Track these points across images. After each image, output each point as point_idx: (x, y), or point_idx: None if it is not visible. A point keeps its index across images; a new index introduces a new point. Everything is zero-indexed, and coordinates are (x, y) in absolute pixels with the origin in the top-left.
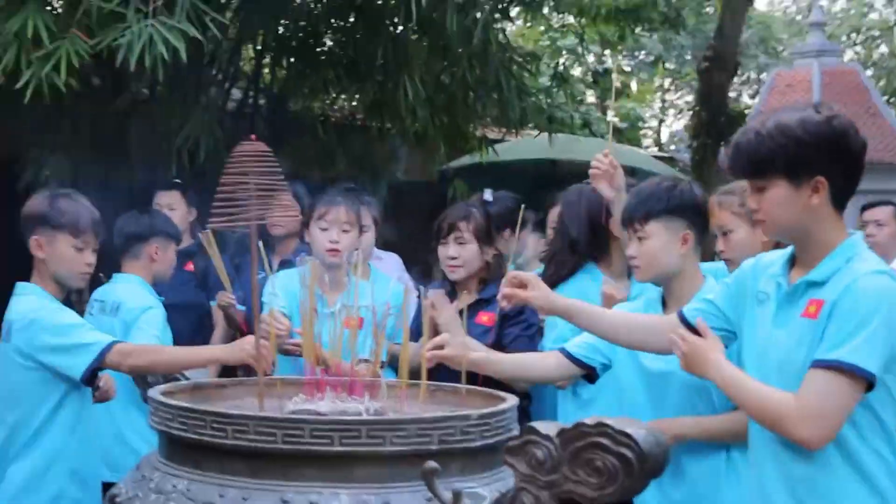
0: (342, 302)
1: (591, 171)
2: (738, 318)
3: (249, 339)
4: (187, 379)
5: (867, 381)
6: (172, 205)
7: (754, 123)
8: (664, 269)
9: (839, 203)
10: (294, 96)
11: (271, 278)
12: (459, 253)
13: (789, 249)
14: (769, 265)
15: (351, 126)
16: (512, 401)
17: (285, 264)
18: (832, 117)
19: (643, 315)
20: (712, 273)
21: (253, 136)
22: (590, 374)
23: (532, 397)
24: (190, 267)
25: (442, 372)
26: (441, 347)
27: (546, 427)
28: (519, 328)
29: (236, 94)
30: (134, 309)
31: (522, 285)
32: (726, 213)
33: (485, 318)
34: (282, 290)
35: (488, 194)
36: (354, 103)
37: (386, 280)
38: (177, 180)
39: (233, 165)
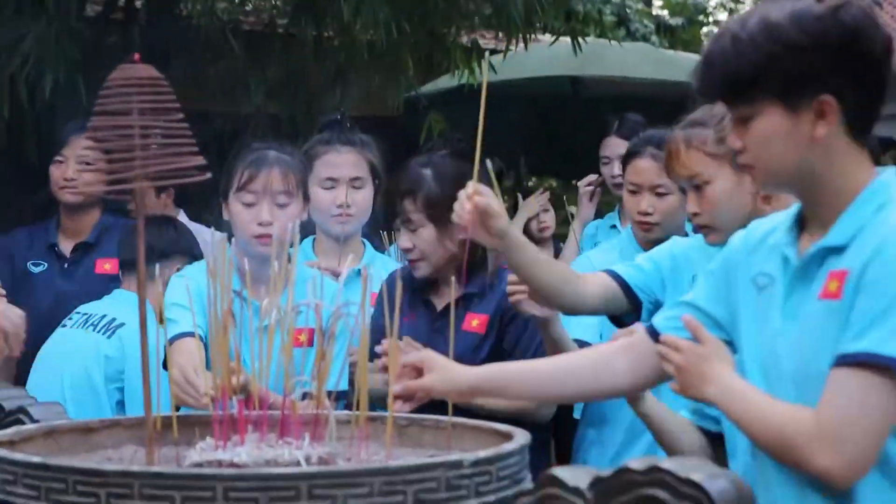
0: (279, 305)
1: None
2: (732, 316)
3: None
4: None
5: None
6: None
7: (733, 24)
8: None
9: (859, 130)
10: None
11: (176, 278)
12: (413, 242)
13: (794, 208)
14: (768, 234)
15: (272, 37)
16: (522, 438)
17: (82, 250)
18: (838, 7)
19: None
20: (685, 251)
21: (136, 57)
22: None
23: (558, 425)
24: None
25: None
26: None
27: (574, 475)
28: (527, 327)
29: None
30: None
31: (418, 372)
32: (698, 156)
33: (475, 321)
34: (197, 300)
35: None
36: (276, 2)
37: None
38: None
39: (107, 100)
